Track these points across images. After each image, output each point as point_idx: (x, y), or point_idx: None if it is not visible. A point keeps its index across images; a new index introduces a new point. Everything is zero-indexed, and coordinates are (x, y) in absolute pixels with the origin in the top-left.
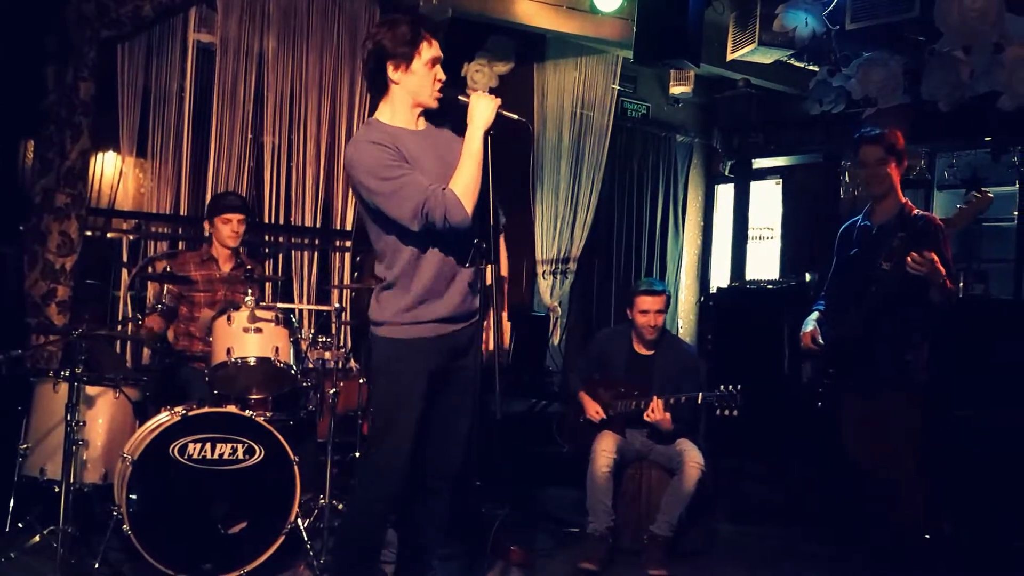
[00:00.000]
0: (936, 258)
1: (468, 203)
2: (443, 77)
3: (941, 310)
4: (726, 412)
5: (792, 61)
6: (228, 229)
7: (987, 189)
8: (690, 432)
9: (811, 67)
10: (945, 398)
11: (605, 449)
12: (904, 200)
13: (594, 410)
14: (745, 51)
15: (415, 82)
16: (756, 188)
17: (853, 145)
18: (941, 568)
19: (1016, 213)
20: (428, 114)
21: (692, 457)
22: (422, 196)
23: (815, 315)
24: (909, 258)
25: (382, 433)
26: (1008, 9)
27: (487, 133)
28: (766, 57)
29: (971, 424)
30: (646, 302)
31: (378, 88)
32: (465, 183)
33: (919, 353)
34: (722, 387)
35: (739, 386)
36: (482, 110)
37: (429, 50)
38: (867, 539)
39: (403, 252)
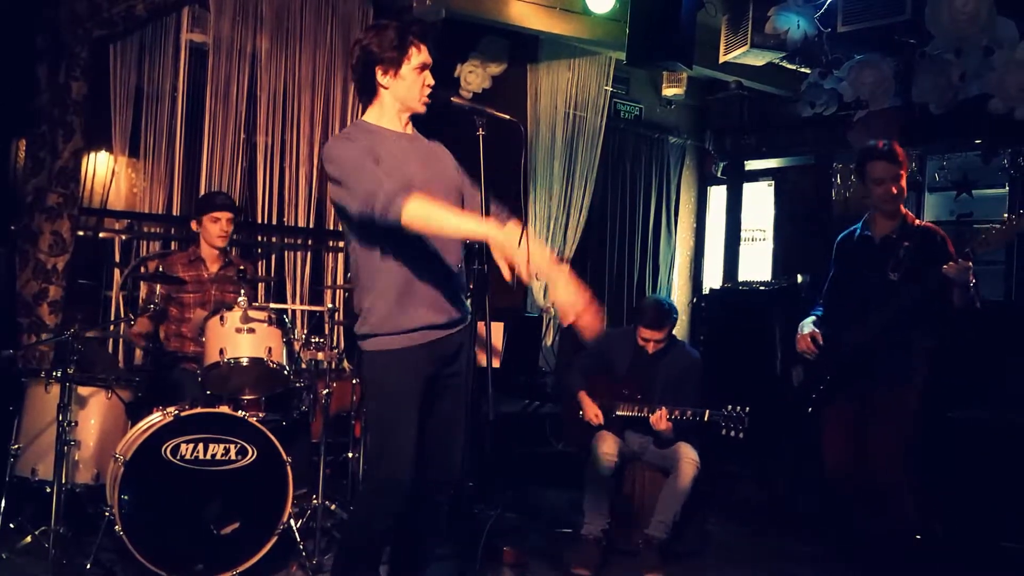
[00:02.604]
0: (971, 264)
1: (413, 221)
2: (431, 82)
3: (955, 316)
4: (732, 433)
5: (784, 63)
6: (217, 228)
7: (978, 191)
8: (688, 436)
9: (803, 69)
10: (936, 399)
11: (607, 452)
12: (905, 211)
13: (593, 413)
14: (737, 53)
15: (403, 87)
16: (748, 190)
17: (859, 159)
18: (932, 569)
19: (1006, 215)
20: (423, 124)
21: (687, 454)
22: (373, 186)
23: (812, 319)
24: (947, 266)
25: (381, 450)
26: (999, 12)
27: (477, 133)
28: (758, 59)
29: (962, 425)
30: (647, 333)
31: (367, 92)
32: (430, 216)
33: (921, 365)
34: (729, 407)
35: (747, 408)
36: (505, 241)
37: (418, 56)
38: (859, 540)
39: (388, 258)
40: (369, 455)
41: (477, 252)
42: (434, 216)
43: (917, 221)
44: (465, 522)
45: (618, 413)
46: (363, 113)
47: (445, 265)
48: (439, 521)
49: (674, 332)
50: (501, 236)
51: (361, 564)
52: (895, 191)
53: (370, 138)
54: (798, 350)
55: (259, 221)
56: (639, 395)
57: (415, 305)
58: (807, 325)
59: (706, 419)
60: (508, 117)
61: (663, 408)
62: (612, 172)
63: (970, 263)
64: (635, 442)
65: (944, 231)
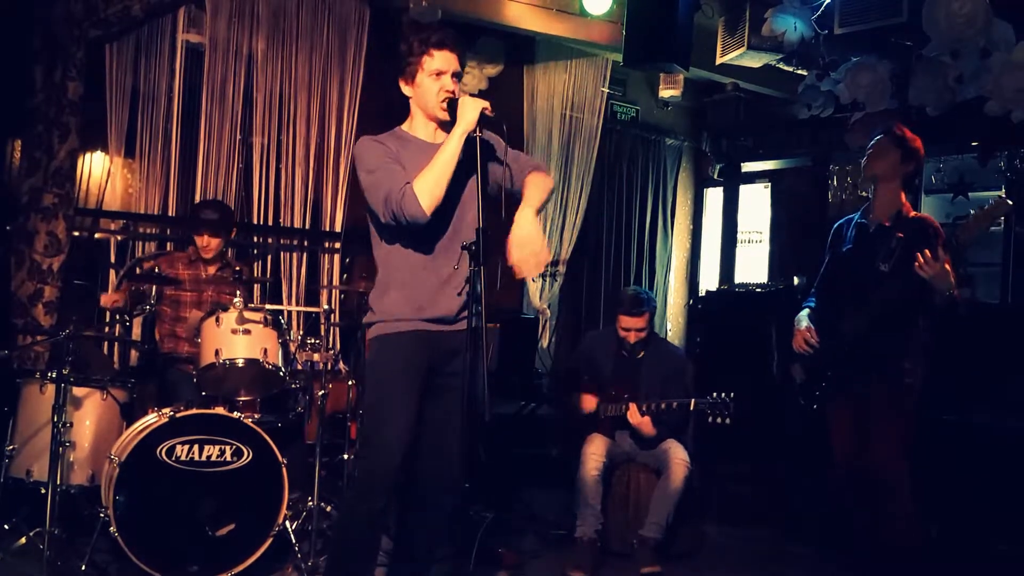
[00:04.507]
0: (948, 261)
1: (425, 199)
2: (451, 88)
3: (943, 316)
4: (718, 420)
5: (781, 65)
6: (200, 242)
7: (974, 194)
8: (676, 435)
9: (800, 71)
10: (931, 401)
11: (594, 452)
12: (905, 202)
13: (587, 403)
14: (734, 55)
15: (420, 94)
16: (745, 192)
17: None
18: (928, 571)
19: (1002, 218)
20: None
21: (677, 455)
22: (387, 188)
23: (806, 312)
24: (920, 257)
25: (371, 433)
26: (995, 14)
27: (471, 135)
28: (755, 61)
29: (957, 427)
30: (626, 321)
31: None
32: (426, 179)
33: (918, 360)
34: (715, 394)
35: (732, 394)
36: (465, 112)
37: (431, 62)
38: (855, 541)
39: (392, 253)
40: (360, 440)
41: (474, 254)
42: (433, 173)
43: (913, 212)
44: (460, 523)
45: (606, 415)
46: (365, 110)
47: (446, 263)
48: (440, 522)
49: (672, 333)
50: (469, 113)
51: (352, 557)
52: (878, 160)
53: (398, 144)
54: (794, 348)
55: (255, 222)
56: (626, 395)
57: (413, 297)
58: (802, 320)
59: (692, 408)
60: (492, 114)
61: (633, 403)
62: (609, 174)
63: (947, 263)
64: (626, 443)
65: (939, 224)
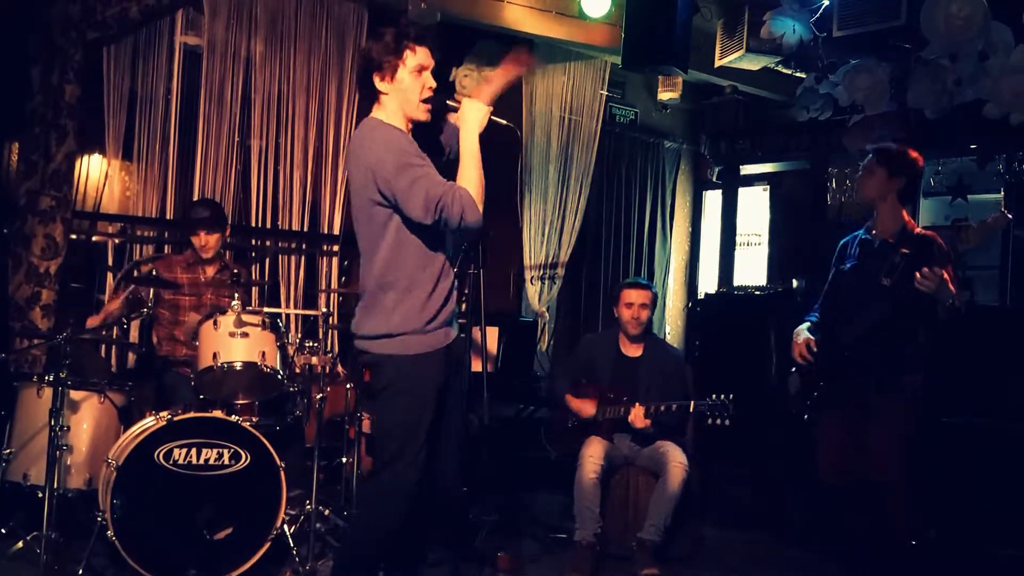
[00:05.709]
0: (947, 276)
1: (480, 204)
2: (433, 85)
3: (944, 326)
4: (718, 421)
5: (779, 68)
6: (197, 242)
7: (973, 196)
8: (671, 436)
9: (798, 74)
10: (931, 403)
11: (593, 455)
12: (907, 218)
13: (585, 409)
14: (733, 57)
15: (401, 90)
16: (744, 194)
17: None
18: (926, 572)
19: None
20: (420, 127)
21: (675, 457)
22: (440, 190)
23: (807, 325)
24: (918, 274)
25: (399, 453)
26: (993, 17)
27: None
28: (754, 64)
29: (956, 431)
30: (631, 295)
31: (369, 100)
32: (472, 183)
33: (919, 374)
34: (714, 396)
35: (731, 396)
36: (475, 112)
37: (413, 57)
38: (854, 543)
39: (415, 254)
40: (383, 457)
41: (473, 257)
42: (475, 178)
43: (917, 228)
44: (459, 527)
45: (605, 417)
46: (362, 112)
47: (452, 265)
48: (437, 524)
49: (671, 336)
50: (480, 108)
51: (362, 569)
52: (866, 181)
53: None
54: (793, 357)
55: (253, 225)
56: (624, 397)
57: (440, 305)
58: (802, 332)
59: (691, 410)
60: (505, 122)
61: (638, 404)
62: (607, 176)
63: (944, 272)
64: (624, 446)
65: (943, 240)
